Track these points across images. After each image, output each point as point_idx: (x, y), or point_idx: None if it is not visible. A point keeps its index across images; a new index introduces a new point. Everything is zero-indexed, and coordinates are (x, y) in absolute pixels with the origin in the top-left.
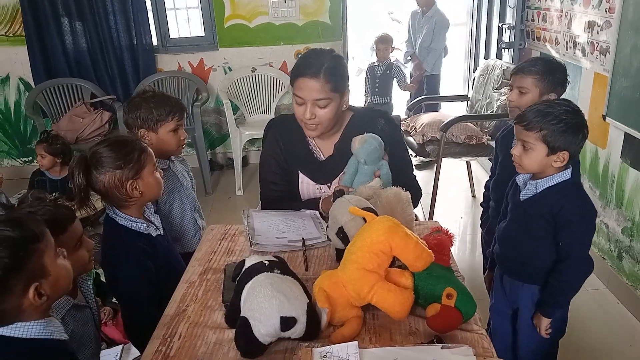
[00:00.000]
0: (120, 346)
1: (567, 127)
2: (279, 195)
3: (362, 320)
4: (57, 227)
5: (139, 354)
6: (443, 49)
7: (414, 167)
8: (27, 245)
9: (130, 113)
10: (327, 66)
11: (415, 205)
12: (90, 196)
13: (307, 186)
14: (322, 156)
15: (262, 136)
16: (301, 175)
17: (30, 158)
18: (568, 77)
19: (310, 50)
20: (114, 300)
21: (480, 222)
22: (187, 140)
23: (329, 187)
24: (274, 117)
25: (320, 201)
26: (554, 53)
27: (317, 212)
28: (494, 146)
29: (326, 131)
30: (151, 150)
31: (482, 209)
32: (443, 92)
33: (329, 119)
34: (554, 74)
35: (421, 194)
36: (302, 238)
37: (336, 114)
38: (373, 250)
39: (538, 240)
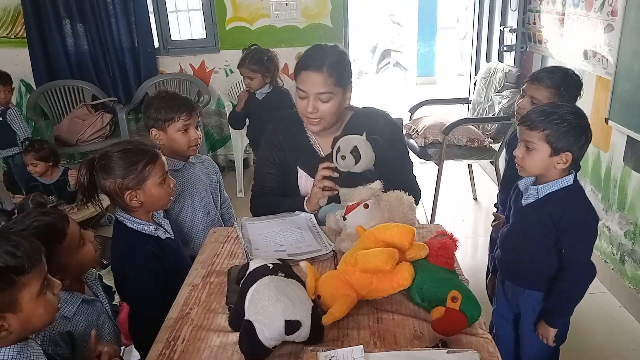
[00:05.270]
0: (122, 348)
1: (570, 128)
2: (272, 187)
3: (352, 299)
4: (57, 234)
5: (139, 357)
6: None
7: (413, 167)
8: (8, 274)
9: (144, 113)
10: (330, 60)
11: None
12: (96, 195)
13: (305, 181)
14: (322, 152)
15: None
16: (300, 171)
17: None
18: (582, 91)
19: (315, 45)
20: (114, 302)
21: (484, 226)
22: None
23: None
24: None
25: (305, 200)
26: (555, 56)
27: (312, 216)
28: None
29: (328, 126)
30: (163, 161)
31: (485, 212)
32: (443, 95)
33: (331, 114)
34: (571, 88)
35: (420, 195)
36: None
37: (338, 109)
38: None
39: (539, 246)
